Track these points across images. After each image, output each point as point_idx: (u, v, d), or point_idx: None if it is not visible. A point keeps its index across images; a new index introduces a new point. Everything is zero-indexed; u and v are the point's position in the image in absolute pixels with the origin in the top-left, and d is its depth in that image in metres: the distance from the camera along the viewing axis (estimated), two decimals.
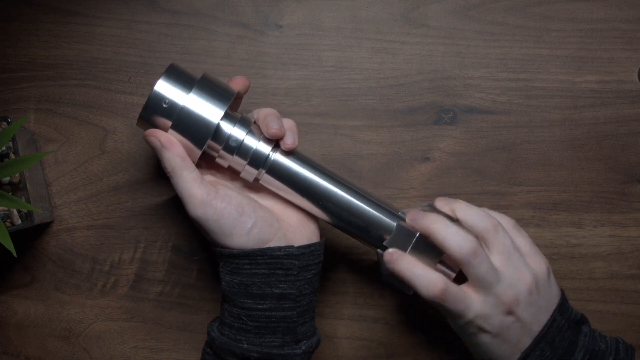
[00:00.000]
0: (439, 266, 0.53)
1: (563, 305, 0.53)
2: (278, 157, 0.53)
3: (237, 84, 0.54)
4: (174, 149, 0.51)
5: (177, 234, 0.62)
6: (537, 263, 0.53)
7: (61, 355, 0.61)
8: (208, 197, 0.50)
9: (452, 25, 0.63)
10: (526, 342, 0.51)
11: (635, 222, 0.62)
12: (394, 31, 0.63)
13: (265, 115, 0.53)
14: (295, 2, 0.63)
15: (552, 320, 0.52)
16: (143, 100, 0.62)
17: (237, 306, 0.51)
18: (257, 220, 0.51)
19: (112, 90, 0.62)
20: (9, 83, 0.62)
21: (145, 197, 0.62)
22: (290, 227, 0.53)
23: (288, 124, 0.54)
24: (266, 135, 0.52)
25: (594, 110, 0.63)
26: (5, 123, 0.58)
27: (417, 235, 0.52)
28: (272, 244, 0.51)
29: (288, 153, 0.53)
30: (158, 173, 0.62)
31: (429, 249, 0.52)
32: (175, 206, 0.62)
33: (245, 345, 0.50)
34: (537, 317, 0.51)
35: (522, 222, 0.62)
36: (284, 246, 0.51)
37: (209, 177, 0.55)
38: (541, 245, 0.62)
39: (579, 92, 0.63)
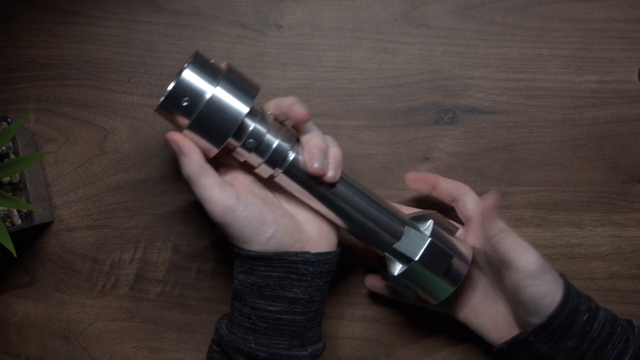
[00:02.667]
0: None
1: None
2: (295, 160, 0.52)
3: (298, 116, 0.51)
4: (192, 155, 0.50)
5: (177, 234, 0.62)
6: None
7: (61, 355, 0.61)
8: (230, 202, 0.49)
9: (452, 25, 0.63)
10: (560, 287, 0.52)
11: (635, 222, 0.62)
12: (394, 31, 0.63)
13: (312, 147, 0.52)
14: (295, 2, 0.63)
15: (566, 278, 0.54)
16: (143, 100, 0.62)
17: (249, 306, 0.51)
18: (277, 229, 0.51)
19: (112, 90, 0.62)
20: (9, 83, 0.62)
21: (145, 197, 0.62)
22: (310, 238, 0.53)
23: (335, 156, 0.53)
24: (306, 168, 0.51)
25: (594, 110, 0.63)
26: (5, 123, 0.58)
27: (429, 240, 0.53)
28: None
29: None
30: (158, 173, 0.62)
31: (440, 253, 0.53)
32: (175, 206, 0.62)
33: (253, 345, 0.50)
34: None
35: (522, 222, 0.62)
36: (301, 252, 0.51)
37: (239, 175, 0.53)
38: (541, 245, 0.62)
39: (579, 92, 0.63)
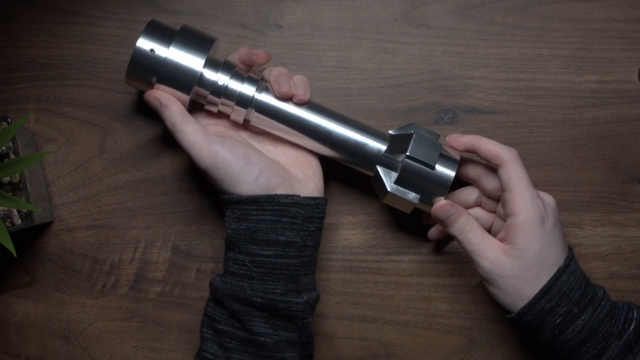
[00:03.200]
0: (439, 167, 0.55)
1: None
2: (264, 95, 0.55)
3: (260, 58, 0.55)
4: (172, 106, 0.53)
5: (177, 234, 0.62)
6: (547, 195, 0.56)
7: (61, 355, 0.61)
8: (214, 145, 0.52)
9: (452, 25, 0.63)
10: (561, 258, 0.53)
11: (635, 222, 0.62)
12: (394, 31, 0.63)
13: (276, 75, 0.55)
14: (295, 2, 0.63)
15: (570, 250, 0.55)
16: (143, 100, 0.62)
17: (242, 252, 0.52)
18: (264, 168, 0.52)
19: (112, 90, 0.62)
20: (9, 83, 0.62)
21: (145, 197, 0.62)
22: (296, 178, 0.54)
23: (299, 79, 0.55)
24: (276, 95, 0.54)
25: (594, 110, 0.63)
26: (5, 123, 0.58)
27: (414, 135, 0.54)
28: (279, 192, 0.52)
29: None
30: (158, 173, 0.62)
31: (428, 143, 0.54)
32: (175, 206, 0.62)
33: (249, 291, 0.51)
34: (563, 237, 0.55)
35: None
36: (291, 194, 0.52)
37: (219, 128, 0.56)
38: None
39: (579, 92, 0.63)
